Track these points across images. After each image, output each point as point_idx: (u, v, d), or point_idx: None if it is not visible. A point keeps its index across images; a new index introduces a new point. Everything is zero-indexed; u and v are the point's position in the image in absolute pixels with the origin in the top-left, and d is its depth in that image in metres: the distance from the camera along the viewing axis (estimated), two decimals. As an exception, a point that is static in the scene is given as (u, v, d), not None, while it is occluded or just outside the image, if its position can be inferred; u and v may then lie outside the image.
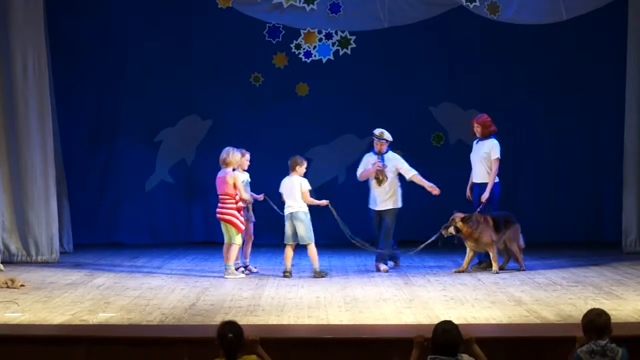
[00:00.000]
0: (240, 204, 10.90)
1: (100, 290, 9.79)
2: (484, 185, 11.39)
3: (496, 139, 11.47)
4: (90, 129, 14.45)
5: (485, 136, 11.51)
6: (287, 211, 10.96)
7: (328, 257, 11.92)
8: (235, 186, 10.83)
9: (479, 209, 11.29)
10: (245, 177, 11.28)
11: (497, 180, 11.43)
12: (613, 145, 13.74)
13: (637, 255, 12.48)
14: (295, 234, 10.94)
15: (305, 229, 10.89)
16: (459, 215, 11.19)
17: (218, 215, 10.94)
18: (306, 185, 10.97)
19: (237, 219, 10.84)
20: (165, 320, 8.06)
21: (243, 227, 10.90)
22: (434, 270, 11.43)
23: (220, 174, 10.97)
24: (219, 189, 10.93)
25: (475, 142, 11.66)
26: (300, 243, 10.97)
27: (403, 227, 13.51)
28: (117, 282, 10.45)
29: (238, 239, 10.86)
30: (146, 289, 9.90)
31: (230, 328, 5.92)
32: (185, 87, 14.44)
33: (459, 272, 11.08)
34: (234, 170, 10.99)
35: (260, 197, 11.39)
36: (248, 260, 11.32)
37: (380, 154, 11.53)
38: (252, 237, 11.38)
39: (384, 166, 11.46)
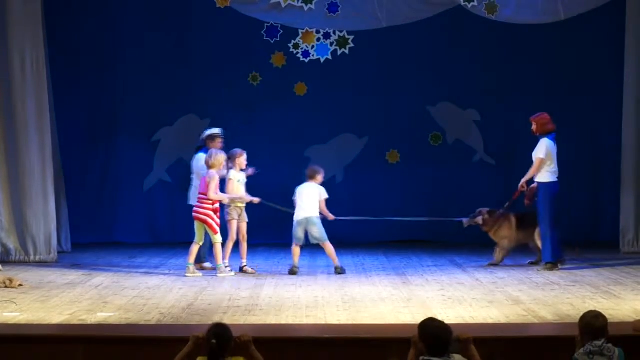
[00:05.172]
0: (217, 205, 10.99)
1: (98, 290, 9.79)
2: (543, 184, 11.29)
3: (550, 139, 11.34)
4: (88, 128, 14.44)
5: (542, 134, 11.41)
6: (301, 215, 11.08)
7: (327, 257, 11.90)
8: (208, 185, 10.93)
9: (502, 209, 11.58)
10: (241, 176, 11.31)
11: (553, 180, 11.31)
12: (611, 145, 13.73)
13: (634, 254, 12.49)
14: (305, 236, 11.14)
15: (320, 231, 11.12)
16: (485, 210, 11.68)
17: (194, 214, 11.04)
18: (325, 195, 11.21)
19: (213, 220, 10.93)
20: (164, 319, 8.05)
21: (218, 229, 10.95)
22: (431, 269, 11.44)
23: (204, 173, 11.10)
24: (200, 188, 11.05)
25: (538, 139, 11.53)
26: (318, 243, 11.20)
27: (403, 226, 13.59)
28: (116, 281, 10.45)
29: (217, 238, 10.94)
30: (144, 288, 9.90)
31: (216, 334, 5.93)
32: (183, 87, 14.44)
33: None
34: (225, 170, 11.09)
35: (256, 200, 11.38)
36: (243, 260, 11.32)
37: None
38: (245, 237, 11.37)
39: None
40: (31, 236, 12.20)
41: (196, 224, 11.03)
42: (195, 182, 11.54)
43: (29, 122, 12.15)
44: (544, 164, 11.26)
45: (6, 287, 9.78)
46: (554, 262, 11.18)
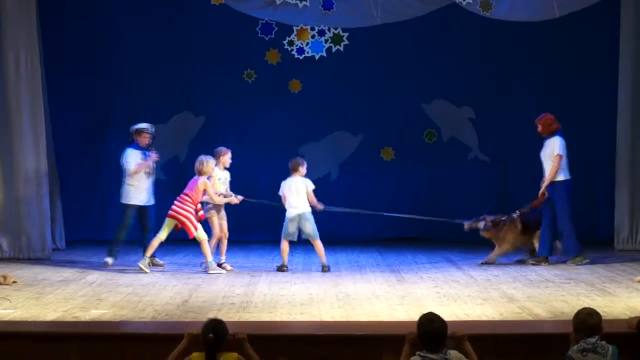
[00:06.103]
0: (201, 211, 11.03)
1: (92, 287, 9.78)
2: (555, 183, 11.36)
3: (561, 137, 11.43)
4: (82, 125, 14.41)
5: (549, 134, 11.46)
6: (293, 212, 11.04)
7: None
8: (204, 192, 10.92)
9: (517, 212, 11.56)
10: (225, 175, 11.30)
11: (567, 177, 11.40)
12: (606, 143, 13.73)
13: (629, 252, 12.51)
14: (297, 232, 11.07)
15: (312, 227, 11.08)
16: (489, 218, 11.63)
17: (171, 212, 10.98)
18: (311, 185, 11.14)
19: (191, 222, 10.91)
20: (158, 316, 8.06)
21: (194, 230, 10.93)
22: (426, 267, 11.45)
23: (195, 177, 11.04)
24: (187, 189, 10.99)
25: (543, 140, 11.58)
26: (308, 239, 11.14)
27: (397, 223, 13.55)
28: (110, 278, 10.45)
29: (200, 236, 10.93)
30: (138, 285, 9.90)
31: (212, 328, 5.93)
32: (177, 84, 14.41)
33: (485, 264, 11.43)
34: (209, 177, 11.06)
35: (239, 198, 11.34)
36: (224, 257, 11.28)
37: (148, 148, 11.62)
38: (227, 234, 11.36)
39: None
40: (25, 234, 12.18)
41: (168, 220, 11.00)
42: (127, 180, 11.48)
43: (23, 120, 12.12)
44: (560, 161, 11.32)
45: (0, 284, 9.77)
46: (580, 253, 11.40)
